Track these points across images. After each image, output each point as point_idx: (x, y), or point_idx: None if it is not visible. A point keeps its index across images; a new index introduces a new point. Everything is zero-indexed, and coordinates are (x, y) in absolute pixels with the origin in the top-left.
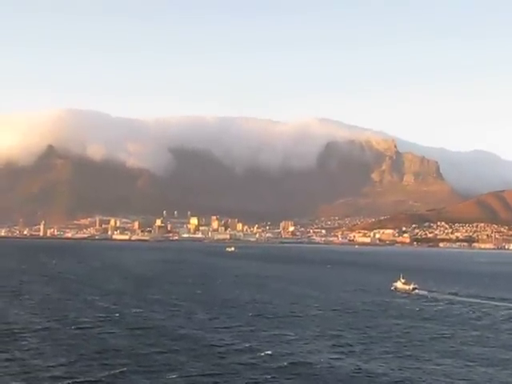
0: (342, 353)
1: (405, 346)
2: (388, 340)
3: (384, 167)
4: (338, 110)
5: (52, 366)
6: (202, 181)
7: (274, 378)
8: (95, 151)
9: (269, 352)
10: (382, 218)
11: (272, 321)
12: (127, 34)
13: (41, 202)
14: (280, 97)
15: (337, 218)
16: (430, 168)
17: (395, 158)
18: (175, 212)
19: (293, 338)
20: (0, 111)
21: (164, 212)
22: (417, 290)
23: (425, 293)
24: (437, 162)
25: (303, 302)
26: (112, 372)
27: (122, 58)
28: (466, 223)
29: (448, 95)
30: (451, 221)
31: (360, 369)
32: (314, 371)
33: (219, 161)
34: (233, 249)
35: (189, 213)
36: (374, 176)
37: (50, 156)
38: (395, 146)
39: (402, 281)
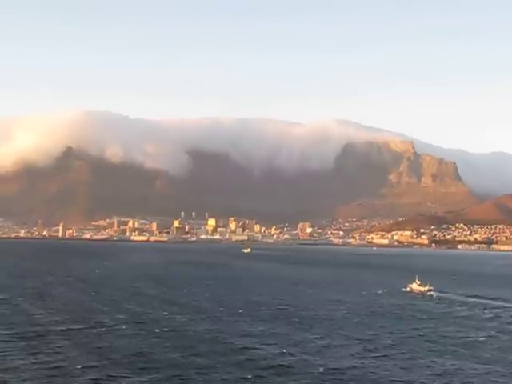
0: (375, 358)
1: (436, 351)
2: (420, 344)
3: (402, 169)
4: (356, 111)
5: (79, 369)
6: (219, 182)
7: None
8: (113, 153)
9: (300, 357)
10: (400, 219)
11: (298, 324)
12: (146, 35)
13: (59, 203)
14: (298, 98)
15: (354, 219)
16: (448, 169)
17: (413, 160)
18: (193, 213)
19: (322, 342)
20: (19, 113)
21: (182, 213)
22: (432, 292)
23: (441, 295)
24: (455, 164)
25: (327, 305)
26: (141, 376)
27: (140, 59)
28: (484, 225)
29: (467, 97)
30: (470, 222)
31: (398, 375)
32: (347, 377)
33: (237, 162)
34: (249, 250)
35: (206, 214)
36: (392, 177)
37: (68, 157)
38: (413, 148)
39: (418, 282)
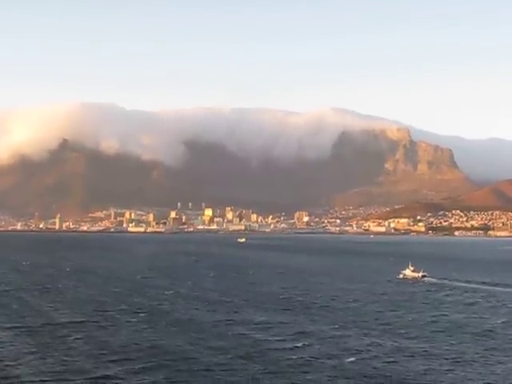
0: (391, 347)
1: (450, 339)
2: (433, 332)
3: (398, 156)
4: (353, 99)
5: (86, 363)
6: (216, 172)
7: (326, 377)
8: (109, 144)
9: (315, 348)
10: (397, 207)
11: (307, 314)
12: (141, 26)
13: (56, 195)
14: (294, 87)
15: (351, 207)
16: (443, 156)
17: (409, 147)
18: (189, 204)
19: (335, 333)
20: (13, 106)
21: (178, 204)
22: (426, 278)
23: (438, 281)
24: (451, 151)
25: (332, 294)
26: (150, 370)
27: (135, 50)
28: (481, 211)
29: (463, 82)
30: (466, 209)
31: (419, 364)
32: (368, 370)
33: (233, 152)
34: (244, 240)
35: (203, 204)
36: (388, 165)
37: (64, 150)
38: (409, 135)
39: (411, 268)
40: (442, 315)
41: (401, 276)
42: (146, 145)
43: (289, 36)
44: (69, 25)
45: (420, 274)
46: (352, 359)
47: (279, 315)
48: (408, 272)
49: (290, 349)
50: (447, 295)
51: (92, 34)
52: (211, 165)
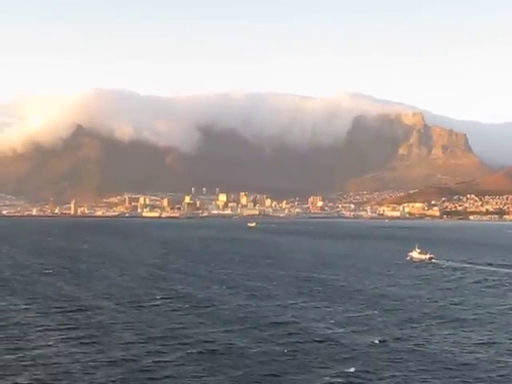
0: (416, 329)
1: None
2: (457, 313)
3: (412, 141)
4: (369, 84)
5: (113, 344)
6: (230, 157)
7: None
8: (124, 129)
9: (340, 330)
10: (411, 191)
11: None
12: (153, 11)
13: (70, 181)
14: (310, 72)
15: (365, 192)
16: (458, 141)
17: (423, 132)
18: (204, 189)
19: (359, 314)
20: (28, 93)
21: (192, 189)
22: (433, 260)
23: (441, 262)
24: (465, 135)
25: (353, 275)
26: (175, 352)
27: (148, 36)
28: (496, 195)
29: (479, 67)
30: (481, 193)
31: (449, 346)
32: (398, 352)
33: (248, 137)
34: (254, 224)
35: (217, 189)
36: (402, 150)
37: (78, 136)
38: (423, 120)
39: (418, 251)
40: (461, 297)
41: (408, 258)
42: (160, 131)
43: (304, 19)
44: (82, 8)
45: (427, 256)
46: (380, 341)
47: (303, 298)
48: (415, 254)
49: (313, 330)
50: (459, 277)
51: (106, 18)
52: (225, 150)
